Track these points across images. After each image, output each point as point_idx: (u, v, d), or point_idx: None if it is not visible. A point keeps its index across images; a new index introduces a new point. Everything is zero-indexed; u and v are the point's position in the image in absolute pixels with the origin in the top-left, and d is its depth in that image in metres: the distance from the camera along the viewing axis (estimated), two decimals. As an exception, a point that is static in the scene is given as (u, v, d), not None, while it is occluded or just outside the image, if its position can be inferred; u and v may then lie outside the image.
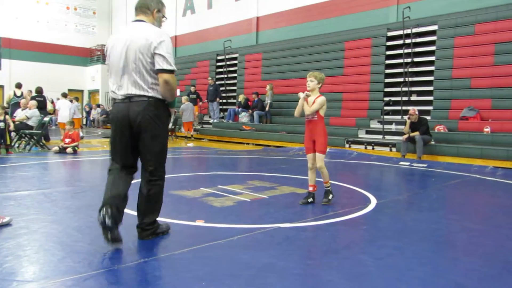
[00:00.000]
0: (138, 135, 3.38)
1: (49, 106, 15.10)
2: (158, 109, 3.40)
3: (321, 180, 5.22)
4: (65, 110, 14.08)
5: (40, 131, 11.25)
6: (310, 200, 5.14)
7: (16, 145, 11.40)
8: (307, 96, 5.13)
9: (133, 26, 3.46)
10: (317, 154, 5.05)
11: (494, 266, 3.17)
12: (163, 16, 3.65)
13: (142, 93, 3.35)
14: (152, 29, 3.41)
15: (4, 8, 25.49)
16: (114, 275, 2.78)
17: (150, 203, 3.54)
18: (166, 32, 3.45)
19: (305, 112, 5.18)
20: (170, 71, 3.35)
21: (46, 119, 11.81)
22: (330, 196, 5.14)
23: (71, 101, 15.60)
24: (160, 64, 3.31)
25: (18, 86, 13.65)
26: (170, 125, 16.00)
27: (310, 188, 5.19)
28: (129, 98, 3.36)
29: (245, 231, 3.85)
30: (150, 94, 3.37)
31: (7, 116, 10.31)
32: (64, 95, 15.10)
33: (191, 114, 16.17)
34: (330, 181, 5.31)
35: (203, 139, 16.81)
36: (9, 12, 25.74)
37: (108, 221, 3.20)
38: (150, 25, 3.46)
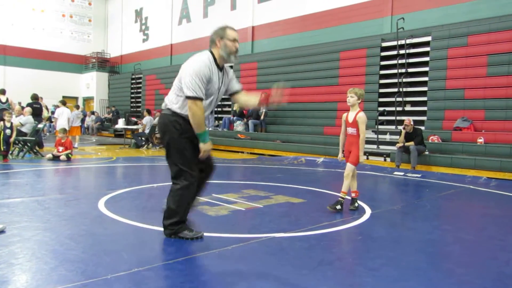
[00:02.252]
0: None
1: (45, 113, 15.01)
2: (164, 120, 3.74)
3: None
4: (63, 118, 13.96)
5: (34, 138, 11.19)
6: (356, 204, 5.47)
7: (10, 151, 11.32)
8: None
9: None
10: (347, 163, 5.37)
11: (488, 277, 3.18)
12: (230, 40, 3.75)
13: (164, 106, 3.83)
14: (193, 57, 3.68)
15: (-1, 15, 25.50)
16: (107, 284, 2.76)
17: (167, 206, 3.81)
18: (201, 58, 3.63)
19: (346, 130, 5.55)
20: (189, 97, 3.55)
21: (40, 125, 11.75)
22: (338, 207, 5.29)
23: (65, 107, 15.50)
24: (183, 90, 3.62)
25: (3, 92, 13.54)
26: (147, 132, 15.85)
27: (353, 194, 5.50)
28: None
29: (240, 241, 3.84)
30: (167, 107, 3.77)
31: (13, 123, 10.29)
32: (63, 103, 14.98)
33: None
34: (327, 191, 5.36)
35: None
36: (4, 19, 25.73)
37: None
38: (199, 53, 3.69)
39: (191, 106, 3.55)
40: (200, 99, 3.57)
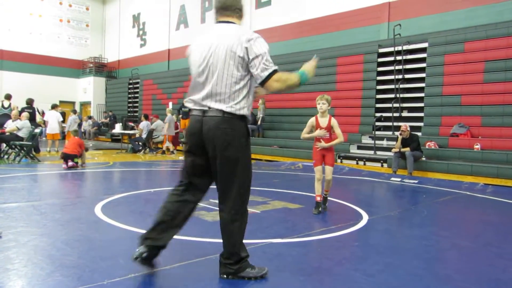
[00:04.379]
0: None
1: (39, 118, 15.00)
2: (228, 126, 2.89)
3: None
4: (54, 122, 14.03)
5: (30, 143, 11.16)
6: (320, 209, 5.54)
7: (6, 156, 11.29)
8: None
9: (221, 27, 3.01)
10: (329, 167, 5.61)
11: (486, 284, 3.18)
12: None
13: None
14: (245, 31, 2.96)
15: (-4, 20, 25.50)
16: (104, 291, 2.75)
17: (227, 242, 3.06)
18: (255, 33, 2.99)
19: (323, 141, 5.66)
20: (271, 74, 2.88)
21: (37, 130, 11.72)
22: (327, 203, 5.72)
23: (63, 112, 15.48)
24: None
25: (8, 97, 13.56)
26: (144, 137, 15.75)
27: (318, 198, 5.58)
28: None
29: (237, 246, 3.82)
30: (227, 110, 2.90)
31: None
32: (54, 107, 15.03)
33: (172, 127, 15.73)
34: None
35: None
36: (1, 24, 25.71)
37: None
38: (243, 29, 3.01)
39: (278, 79, 2.89)
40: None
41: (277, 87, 2.90)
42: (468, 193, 8.04)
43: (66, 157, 9.72)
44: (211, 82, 2.88)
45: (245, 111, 2.93)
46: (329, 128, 5.55)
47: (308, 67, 3.17)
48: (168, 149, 15.78)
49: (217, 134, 2.86)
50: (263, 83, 2.88)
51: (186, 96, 3.10)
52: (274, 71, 2.88)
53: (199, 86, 2.94)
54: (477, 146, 10.16)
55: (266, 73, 2.85)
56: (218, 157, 2.90)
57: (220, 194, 3.03)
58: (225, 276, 3.02)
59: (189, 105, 3.02)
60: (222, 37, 2.92)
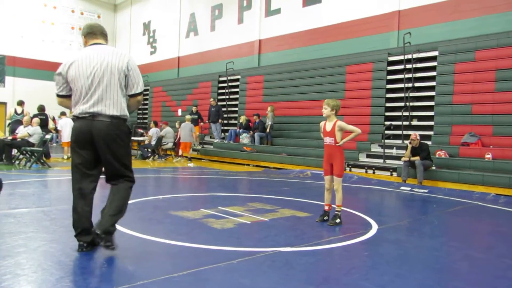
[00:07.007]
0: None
1: (51, 124, 15.13)
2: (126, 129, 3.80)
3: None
4: (68, 129, 14.14)
5: (41, 149, 11.26)
6: (325, 218, 5.47)
7: (17, 162, 11.40)
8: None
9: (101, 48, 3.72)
10: (334, 177, 5.39)
11: (497, 295, 3.13)
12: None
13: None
14: (125, 53, 3.77)
15: (9, 27, 25.84)
16: (113, 297, 2.75)
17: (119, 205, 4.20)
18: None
19: (324, 140, 5.55)
20: (141, 92, 3.84)
21: (48, 136, 11.83)
22: (338, 220, 5.35)
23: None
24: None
25: (20, 103, 13.73)
26: (153, 144, 15.81)
27: (326, 207, 5.54)
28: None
29: (246, 255, 3.81)
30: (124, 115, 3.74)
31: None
32: (64, 114, 15.17)
33: (190, 135, 15.66)
34: (333, 205, 5.39)
35: (203, 159, 16.80)
36: (14, 31, 26.09)
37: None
38: (117, 50, 3.77)
39: (140, 99, 3.86)
40: None
41: (138, 104, 3.86)
42: (479, 203, 7.95)
43: None
44: (98, 91, 3.59)
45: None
46: (333, 133, 5.33)
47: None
48: (177, 155, 15.86)
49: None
50: (134, 95, 3.74)
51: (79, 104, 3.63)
52: (141, 92, 3.81)
53: (87, 95, 3.60)
54: (488, 156, 10.06)
55: (139, 89, 3.77)
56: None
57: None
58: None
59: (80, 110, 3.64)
60: (108, 55, 3.64)
